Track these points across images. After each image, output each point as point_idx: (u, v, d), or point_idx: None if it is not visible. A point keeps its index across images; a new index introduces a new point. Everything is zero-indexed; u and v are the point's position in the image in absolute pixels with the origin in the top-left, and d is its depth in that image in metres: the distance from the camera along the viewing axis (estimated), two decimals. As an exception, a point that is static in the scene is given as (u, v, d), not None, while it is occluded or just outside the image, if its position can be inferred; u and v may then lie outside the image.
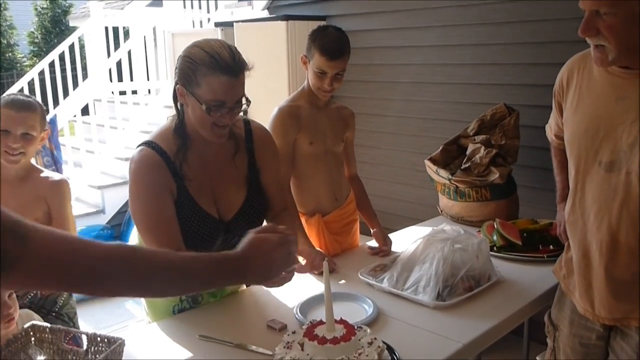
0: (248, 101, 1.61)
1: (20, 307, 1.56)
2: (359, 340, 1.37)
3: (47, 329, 1.38)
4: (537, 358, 2.23)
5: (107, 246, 1.03)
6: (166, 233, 1.59)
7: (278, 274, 1.30)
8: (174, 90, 1.61)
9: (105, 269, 1.01)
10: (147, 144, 1.63)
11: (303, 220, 2.18)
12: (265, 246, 1.24)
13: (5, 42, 14.59)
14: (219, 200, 1.71)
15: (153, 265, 1.08)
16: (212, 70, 1.50)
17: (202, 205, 1.66)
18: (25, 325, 1.37)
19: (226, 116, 1.56)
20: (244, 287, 1.98)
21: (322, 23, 3.10)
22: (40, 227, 0.97)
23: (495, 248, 2.16)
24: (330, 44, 2.04)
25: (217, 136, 1.61)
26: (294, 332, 1.41)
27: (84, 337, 1.35)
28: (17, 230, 0.91)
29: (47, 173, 2.08)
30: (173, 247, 1.54)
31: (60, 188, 2.07)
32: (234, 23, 4.05)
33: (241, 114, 1.67)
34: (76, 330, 1.39)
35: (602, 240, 1.48)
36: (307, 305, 1.71)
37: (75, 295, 3.82)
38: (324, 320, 1.38)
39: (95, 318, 3.72)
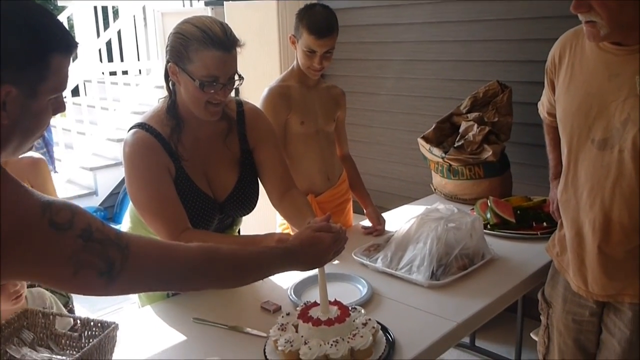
0: (241, 78, 1.59)
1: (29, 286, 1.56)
2: (354, 321, 1.37)
3: (40, 313, 1.37)
4: (530, 335, 2.25)
5: (191, 249, 1.13)
6: (173, 214, 1.57)
7: (326, 263, 1.37)
8: (166, 68, 1.58)
9: (194, 271, 1.12)
10: (140, 125, 1.61)
11: None
12: (320, 246, 1.32)
13: (-8, 22, 14.33)
14: (212, 180, 1.71)
15: (232, 263, 1.19)
16: (204, 45, 1.48)
17: (199, 185, 1.65)
18: (18, 311, 1.37)
19: (220, 92, 1.54)
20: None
21: (314, 1, 3.06)
22: (135, 236, 1.07)
23: (489, 226, 2.17)
24: (318, 22, 2.02)
25: (210, 114, 1.59)
26: (288, 314, 1.41)
27: (78, 322, 1.35)
28: (119, 242, 0.99)
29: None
30: (181, 228, 1.56)
31: (40, 166, 2.09)
32: (224, 2, 3.99)
33: (233, 94, 1.65)
34: (69, 315, 1.39)
35: (595, 219, 1.48)
36: (302, 286, 1.71)
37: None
38: (318, 301, 1.38)
39: (88, 301, 3.71)
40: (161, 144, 1.59)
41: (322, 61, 2.06)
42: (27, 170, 2.01)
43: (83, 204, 5.11)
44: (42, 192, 0.95)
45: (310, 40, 2.02)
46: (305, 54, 2.06)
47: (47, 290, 1.65)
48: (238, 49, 1.55)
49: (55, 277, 0.94)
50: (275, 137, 1.88)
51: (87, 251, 0.93)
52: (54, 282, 0.98)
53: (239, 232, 1.95)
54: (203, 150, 1.69)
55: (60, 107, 1.01)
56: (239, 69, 1.59)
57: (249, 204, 1.79)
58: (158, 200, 1.58)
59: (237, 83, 1.59)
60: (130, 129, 1.62)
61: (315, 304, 1.41)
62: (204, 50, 1.48)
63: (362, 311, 1.44)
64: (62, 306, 1.68)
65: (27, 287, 1.55)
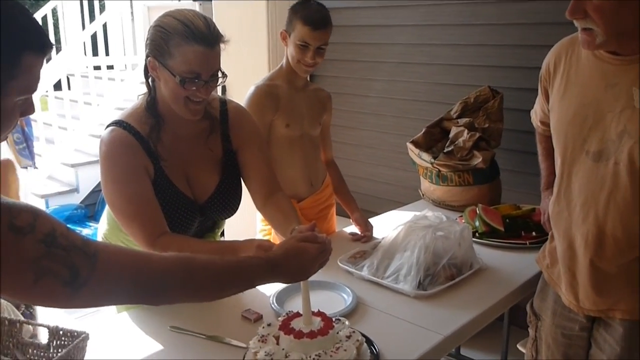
0: (224, 75, 1.52)
1: None
2: (337, 333, 1.32)
3: (7, 321, 1.30)
4: (518, 346, 2.21)
5: (166, 259, 1.06)
6: (150, 218, 1.50)
7: (311, 275, 1.31)
8: (145, 63, 1.51)
9: (167, 282, 1.05)
10: (118, 123, 1.53)
11: None
12: (305, 257, 1.26)
13: (-24, 12, 14.13)
14: (192, 181, 1.64)
15: (211, 273, 1.12)
16: (186, 39, 1.41)
17: (178, 186, 1.58)
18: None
19: (201, 90, 1.47)
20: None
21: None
22: (105, 244, 1.03)
23: (477, 234, 2.13)
24: (314, 14, 1.97)
25: (191, 112, 1.52)
26: (269, 325, 1.35)
27: (46, 331, 1.28)
28: (87, 250, 0.92)
29: None
30: (158, 233, 1.48)
31: (5, 167, 2.02)
32: (213, -3, 3.92)
33: (219, 92, 1.58)
34: (37, 323, 1.32)
35: (588, 232, 1.44)
36: (285, 294, 1.66)
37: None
38: (301, 312, 1.33)
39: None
40: (139, 143, 1.52)
41: (314, 56, 2.01)
42: None
43: (64, 201, 5.01)
44: (5, 194, 0.89)
45: (304, 31, 1.97)
46: (298, 47, 2.00)
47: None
48: (222, 45, 1.49)
49: (13, 285, 0.86)
50: (261, 137, 1.81)
51: (49, 258, 0.86)
52: (13, 291, 0.89)
53: (222, 234, 1.88)
54: (183, 149, 1.62)
55: (29, 109, 0.95)
56: (226, 67, 1.52)
57: (231, 207, 1.72)
58: (135, 203, 1.50)
59: (220, 81, 1.52)
60: (108, 126, 1.55)
61: (297, 314, 1.35)
62: (185, 44, 1.41)
63: (346, 323, 1.38)
64: (17, 312, 1.60)
65: None
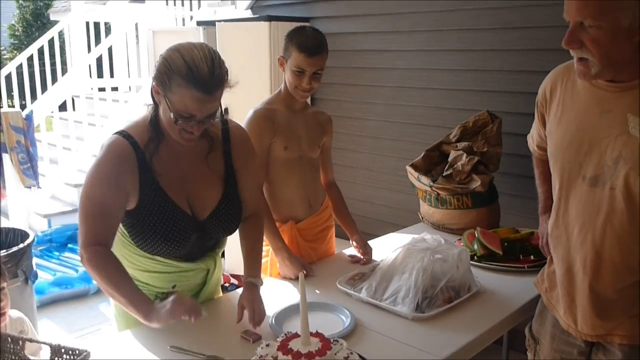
0: (224, 112, 1.59)
1: None
2: (335, 354, 1.32)
3: (10, 338, 1.31)
4: (515, 370, 2.21)
5: None
6: (100, 225, 1.57)
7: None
8: (151, 85, 1.56)
9: None
10: (120, 132, 1.61)
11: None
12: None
13: (-17, 34, 14.31)
14: (192, 197, 1.67)
15: None
16: (186, 82, 1.44)
17: (174, 199, 1.62)
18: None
19: (194, 127, 1.52)
20: (220, 293, 1.93)
21: (306, 24, 3.06)
22: None
23: (475, 257, 2.14)
24: (309, 41, 2.01)
25: (184, 140, 1.57)
26: (267, 345, 1.36)
27: (48, 349, 1.29)
28: None
29: None
30: (95, 242, 1.55)
31: None
32: (217, 22, 3.99)
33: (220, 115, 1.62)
34: (39, 341, 1.33)
35: (586, 256, 1.45)
36: (284, 315, 1.67)
37: (46, 297, 3.75)
38: (300, 332, 1.34)
39: (66, 320, 3.63)
40: (135, 153, 1.58)
41: (311, 82, 2.04)
42: None
43: (66, 220, 5.03)
44: None
45: (300, 58, 2.00)
46: (295, 74, 2.04)
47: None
48: (227, 88, 1.53)
49: None
50: (255, 162, 1.86)
51: None
52: None
53: (222, 254, 1.90)
54: (183, 165, 1.66)
55: None
56: (227, 90, 1.56)
57: (233, 223, 1.75)
58: (95, 205, 1.56)
59: (217, 119, 1.59)
60: (113, 134, 1.62)
61: (296, 335, 1.36)
62: (185, 87, 1.45)
63: (344, 344, 1.38)
64: (35, 331, 1.63)
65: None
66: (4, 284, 1.58)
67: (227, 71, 1.52)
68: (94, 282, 4.06)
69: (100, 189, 1.56)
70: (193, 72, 1.44)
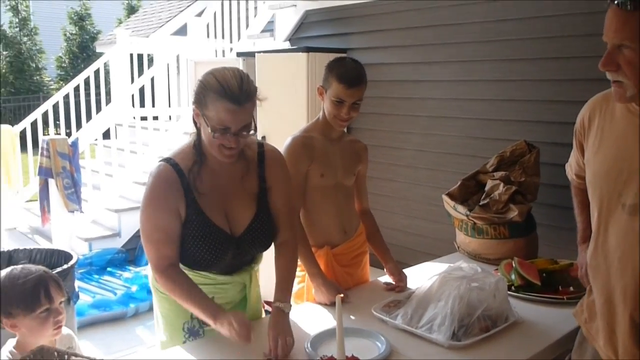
0: (255, 128, 1.68)
1: None
2: (371, 379, 1.33)
3: (55, 352, 1.36)
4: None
5: None
6: (166, 248, 1.69)
7: None
8: (192, 110, 1.70)
9: None
10: (166, 159, 1.74)
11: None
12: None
13: (34, 65, 14.97)
14: (230, 215, 1.77)
15: None
16: (218, 96, 1.59)
17: (212, 219, 1.73)
18: (35, 348, 1.37)
19: (231, 140, 1.63)
20: (263, 315, 1.97)
21: (345, 55, 3.13)
22: None
23: (513, 287, 2.11)
24: (349, 72, 2.05)
25: (225, 156, 1.68)
26: (303, 368, 1.38)
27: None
28: None
29: None
30: (168, 263, 1.69)
31: None
32: (256, 53, 4.10)
33: (258, 136, 1.70)
34: (83, 356, 1.37)
35: (626, 286, 1.43)
36: (319, 339, 1.68)
37: (85, 319, 3.83)
38: (335, 356, 1.35)
39: (104, 342, 3.70)
40: (180, 178, 1.69)
41: (349, 111, 2.08)
42: None
43: (106, 244, 5.16)
44: None
45: (339, 89, 2.05)
46: (334, 104, 2.08)
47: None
48: (258, 102, 1.65)
49: None
50: (289, 185, 1.92)
51: None
52: None
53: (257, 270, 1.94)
54: (222, 184, 1.77)
55: None
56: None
57: (265, 240, 1.83)
58: (158, 230, 1.69)
59: (251, 132, 1.68)
60: (159, 161, 1.75)
61: (332, 358, 1.37)
62: (217, 101, 1.59)
63: (380, 369, 1.39)
64: (81, 350, 1.69)
65: None
66: (63, 299, 1.65)
67: (255, 88, 1.65)
68: (131, 305, 4.13)
69: (157, 213, 1.70)
70: (224, 87, 1.58)
